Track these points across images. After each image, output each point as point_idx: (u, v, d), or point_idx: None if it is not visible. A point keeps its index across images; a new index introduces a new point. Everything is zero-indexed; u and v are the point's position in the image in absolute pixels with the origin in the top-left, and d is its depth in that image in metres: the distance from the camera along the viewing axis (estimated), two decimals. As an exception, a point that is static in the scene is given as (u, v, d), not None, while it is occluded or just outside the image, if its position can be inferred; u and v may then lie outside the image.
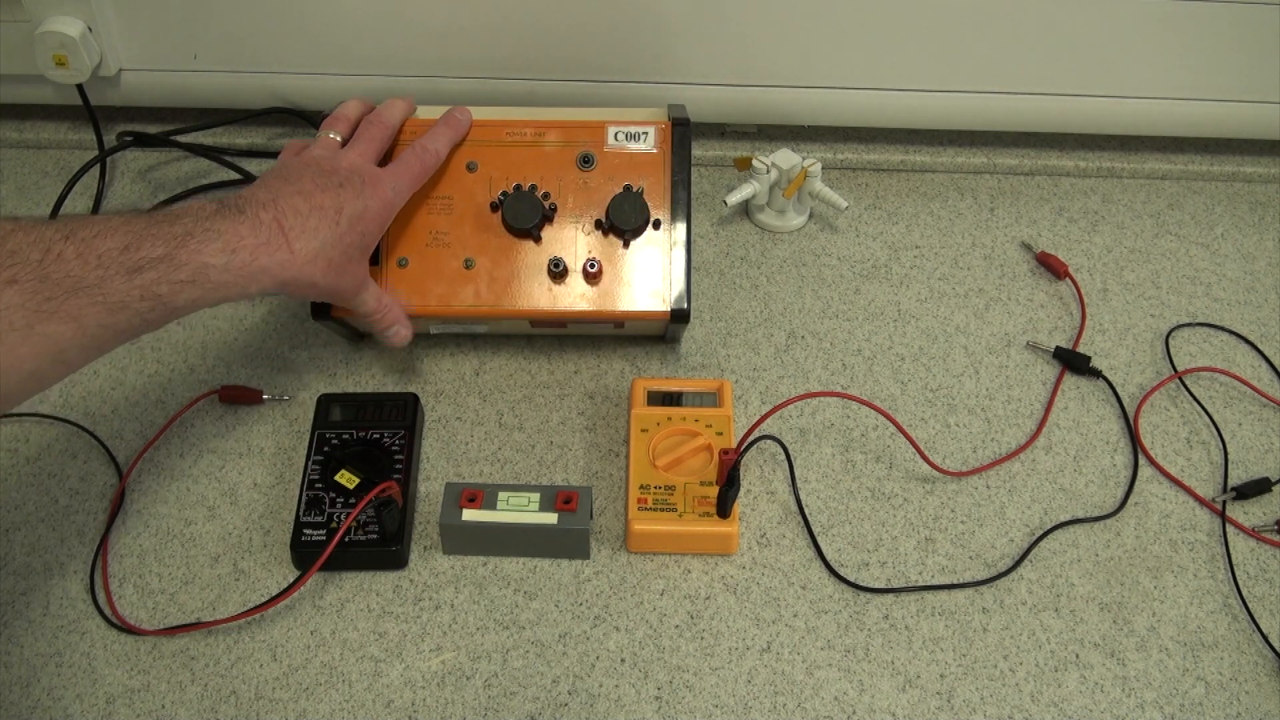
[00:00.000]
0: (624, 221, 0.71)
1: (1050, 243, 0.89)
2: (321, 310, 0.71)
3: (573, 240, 0.73)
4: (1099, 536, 0.70)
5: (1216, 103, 0.90)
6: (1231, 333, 0.83)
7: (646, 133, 0.74)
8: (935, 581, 0.68)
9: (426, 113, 0.75)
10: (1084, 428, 0.76)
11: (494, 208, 0.72)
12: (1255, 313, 0.84)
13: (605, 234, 0.72)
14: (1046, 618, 0.66)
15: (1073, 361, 0.79)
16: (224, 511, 0.70)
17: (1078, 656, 0.64)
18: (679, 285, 0.72)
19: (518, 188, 0.73)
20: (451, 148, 0.73)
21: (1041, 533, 0.70)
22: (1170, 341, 0.82)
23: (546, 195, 0.73)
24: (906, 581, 0.68)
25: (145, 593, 0.66)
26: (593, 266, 0.71)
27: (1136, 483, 0.73)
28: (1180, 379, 0.79)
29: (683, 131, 0.73)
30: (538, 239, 0.72)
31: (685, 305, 0.72)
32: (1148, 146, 0.96)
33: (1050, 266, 0.86)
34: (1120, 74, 0.89)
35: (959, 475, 0.73)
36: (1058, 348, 0.80)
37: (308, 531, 0.66)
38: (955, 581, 0.68)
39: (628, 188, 0.73)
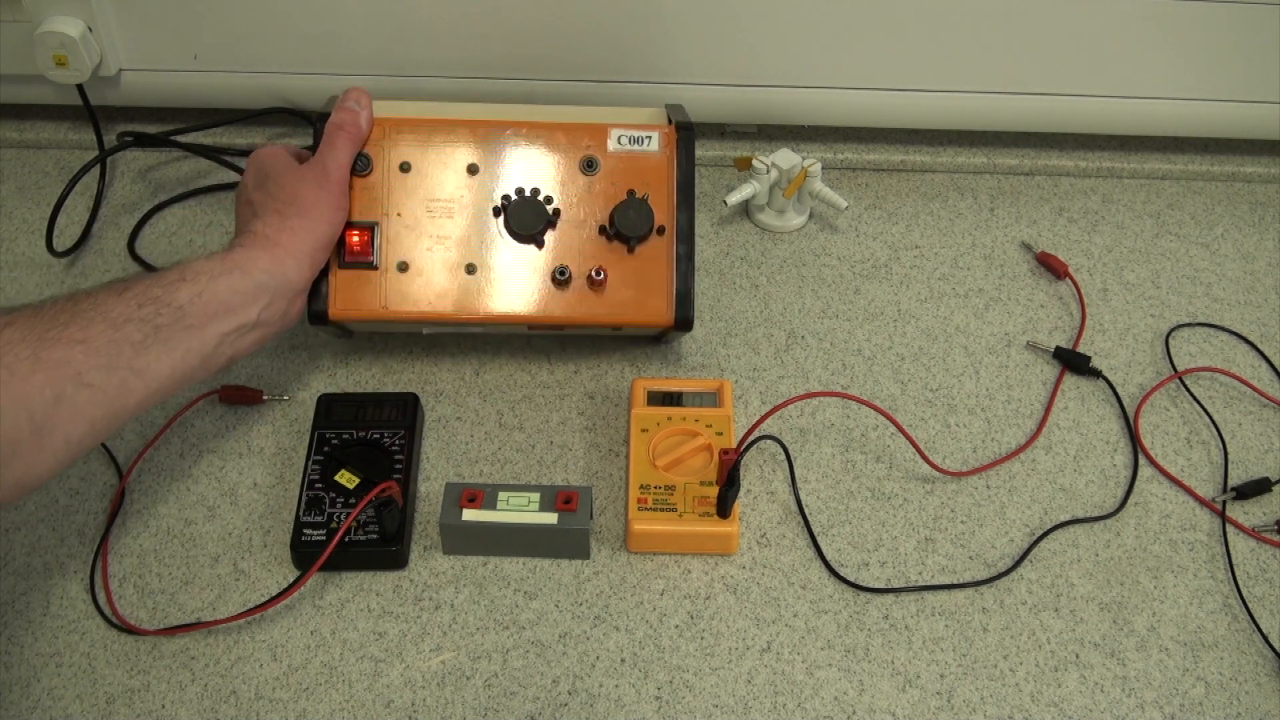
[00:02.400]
0: (630, 229, 0.71)
1: (1050, 243, 0.89)
2: (318, 315, 0.70)
3: (577, 246, 0.72)
4: (1099, 536, 0.70)
5: (1216, 103, 0.90)
6: (1231, 333, 0.83)
7: (650, 136, 0.72)
8: (935, 581, 0.68)
9: (414, 109, 0.75)
10: (1084, 428, 0.76)
11: (497, 212, 0.71)
12: (1255, 313, 0.84)
13: (609, 240, 0.71)
14: (1046, 618, 0.66)
15: (1073, 361, 0.79)
16: (224, 511, 0.70)
17: (1078, 656, 0.64)
18: (684, 293, 0.71)
19: (520, 191, 0.71)
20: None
21: (1041, 533, 0.70)
22: (1170, 341, 0.82)
23: (550, 199, 0.72)
24: (906, 581, 0.68)
25: (145, 593, 0.66)
26: (598, 275, 0.70)
27: (1136, 483, 0.73)
28: (1180, 379, 0.79)
29: (687, 136, 0.72)
30: (540, 244, 0.71)
31: (689, 314, 0.72)
32: (1148, 146, 0.96)
33: (1050, 266, 0.86)
34: (1120, 74, 0.89)
35: (959, 475, 0.73)
36: (1058, 348, 0.80)
37: (308, 531, 0.66)
38: (955, 581, 0.68)
39: (632, 194, 0.71)
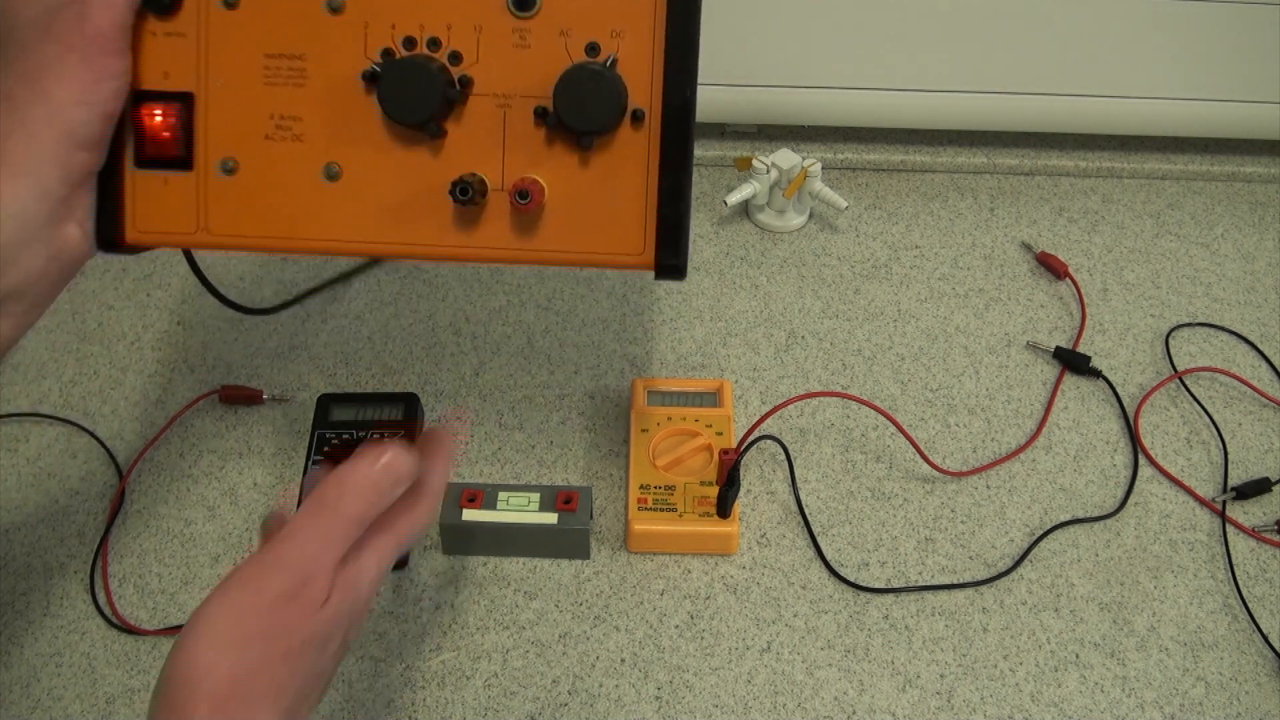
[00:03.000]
0: (584, 114, 0.48)
1: (1050, 243, 0.89)
2: (109, 239, 0.51)
3: (494, 140, 0.51)
4: (1099, 536, 0.70)
5: (1216, 103, 0.90)
6: (1231, 333, 0.83)
7: None
8: (935, 581, 0.68)
9: None
10: (1084, 428, 0.76)
11: (369, 79, 0.50)
12: (1255, 313, 0.84)
13: (549, 131, 0.50)
14: (1046, 618, 0.66)
15: (1073, 361, 0.79)
16: (224, 511, 0.70)
17: (1078, 656, 0.64)
18: (671, 220, 0.50)
19: (409, 45, 0.50)
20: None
21: (1041, 533, 0.70)
22: (1170, 341, 0.82)
23: (456, 58, 0.50)
24: (906, 581, 0.68)
25: (145, 593, 0.66)
26: (523, 198, 0.49)
27: (1136, 483, 0.73)
28: (1180, 379, 0.79)
29: None
30: (435, 134, 0.50)
31: (678, 250, 0.51)
32: (1148, 146, 0.96)
33: (1050, 266, 0.86)
34: (1120, 74, 0.89)
35: (959, 475, 0.73)
36: (1058, 348, 0.80)
37: (308, 531, 0.66)
38: (955, 581, 0.68)
39: (591, 50, 0.50)
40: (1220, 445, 0.75)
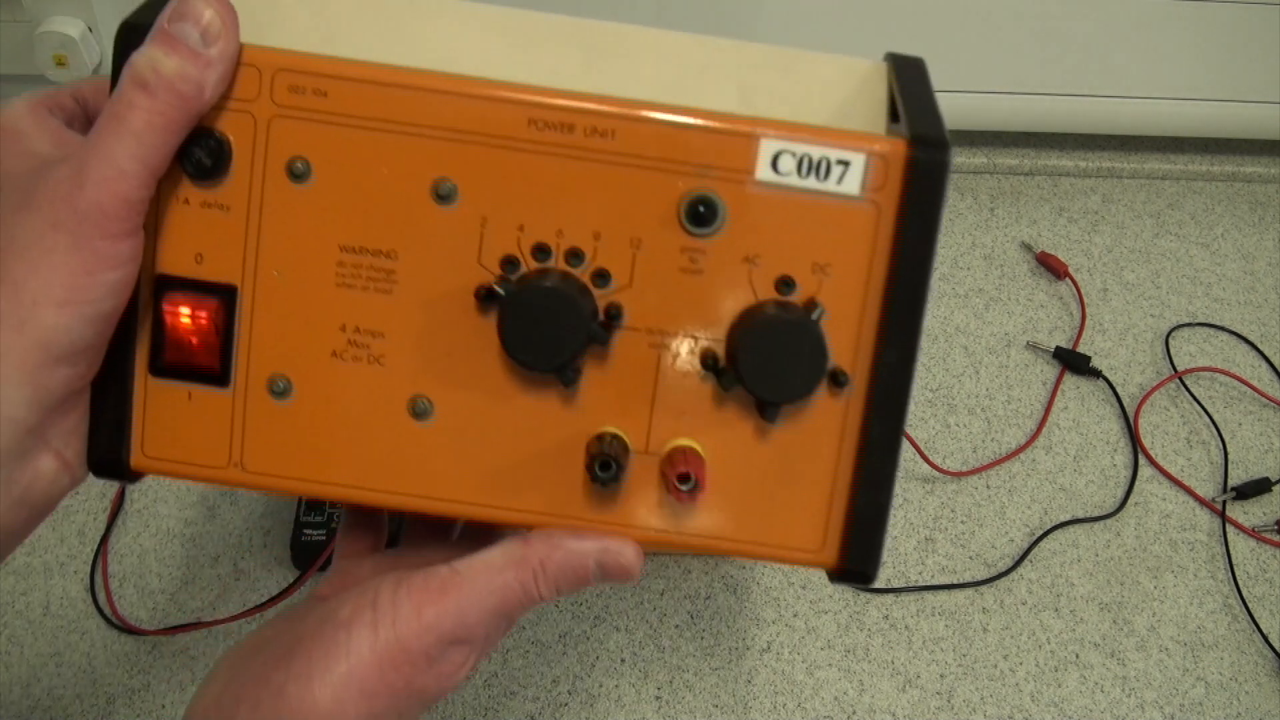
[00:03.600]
0: (775, 379, 0.37)
1: (1050, 243, 0.89)
2: (108, 465, 0.40)
3: (643, 390, 0.40)
4: (1099, 536, 0.70)
5: (1216, 103, 0.90)
6: (1232, 333, 0.83)
7: (848, 163, 0.38)
8: (935, 581, 0.68)
9: (335, 43, 0.40)
10: (1084, 428, 0.76)
11: (484, 299, 0.38)
12: (1255, 313, 0.84)
13: (723, 389, 0.39)
14: (1046, 618, 0.66)
15: (1073, 361, 0.79)
16: (224, 511, 0.70)
17: (1078, 656, 0.64)
18: (866, 515, 0.40)
19: (541, 254, 0.38)
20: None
21: (1041, 533, 0.70)
22: (1170, 341, 0.82)
23: (602, 278, 0.38)
24: (906, 581, 0.68)
25: (145, 593, 0.66)
26: (686, 485, 0.38)
27: (1136, 483, 0.73)
28: (1180, 379, 0.79)
29: (931, 169, 0.38)
30: (571, 381, 0.38)
31: (871, 554, 0.41)
32: (1148, 146, 0.96)
33: (1050, 266, 0.86)
34: (1120, 74, 0.89)
35: (959, 475, 0.73)
36: (1058, 348, 0.80)
37: (308, 531, 0.66)
38: (955, 581, 0.68)
39: (784, 286, 0.38)
40: (1220, 445, 0.75)
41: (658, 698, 0.62)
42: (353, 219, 0.38)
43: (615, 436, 0.39)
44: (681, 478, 0.38)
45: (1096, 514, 0.71)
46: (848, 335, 0.38)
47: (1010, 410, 0.77)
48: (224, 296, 0.39)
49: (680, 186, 0.38)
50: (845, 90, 0.42)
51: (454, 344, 0.39)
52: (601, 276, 0.39)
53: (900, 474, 0.72)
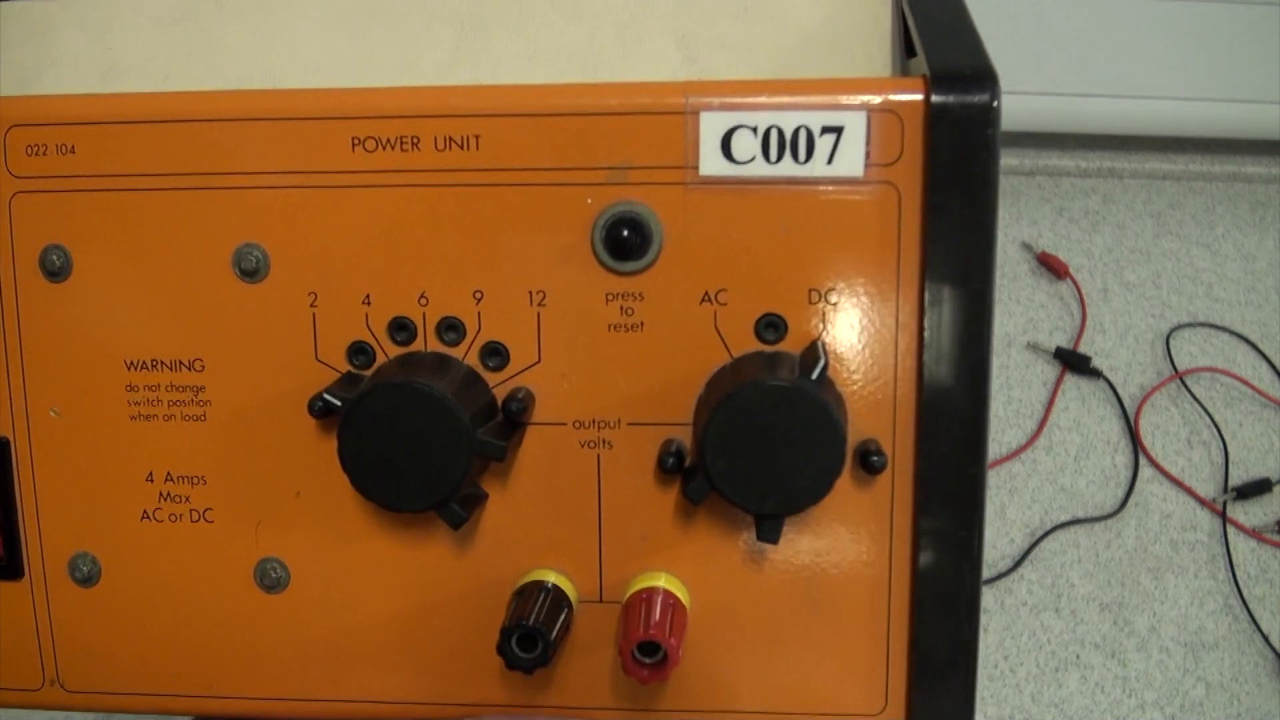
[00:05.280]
0: (763, 482, 0.25)
1: (1050, 243, 0.89)
2: None
3: (578, 512, 0.28)
4: (1099, 537, 0.70)
5: (1216, 103, 0.90)
6: (1232, 333, 0.83)
7: (840, 128, 0.25)
8: (935, 582, 0.68)
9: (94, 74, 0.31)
10: (1084, 428, 0.76)
11: (320, 413, 0.27)
12: (1256, 313, 0.84)
13: (691, 501, 0.27)
14: (1047, 618, 0.66)
15: (1073, 361, 0.79)
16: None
17: (1078, 657, 0.64)
18: (945, 652, 0.27)
19: (396, 332, 0.28)
20: None
21: (1042, 533, 0.70)
22: (1171, 341, 0.82)
23: (494, 356, 0.27)
24: (907, 582, 0.68)
25: None
26: (650, 658, 0.26)
27: (1137, 483, 0.73)
28: (1181, 379, 0.79)
29: (972, 115, 0.26)
30: (458, 521, 0.27)
31: (958, 708, 0.28)
32: (1148, 146, 0.96)
33: (1051, 266, 0.86)
34: (1120, 74, 0.88)
35: (959, 475, 0.73)
36: (1058, 348, 0.80)
37: None
38: (956, 582, 0.68)
39: (769, 330, 0.27)
40: (1221, 445, 0.75)
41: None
42: (134, 321, 0.27)
43: (548, 588, 0.27)
44: (643, 648, 0.25)
45: (1097, 514, 0.71)
46: (875, 389, 0.26)
47: (1011, 410, 0.77)
48: None
49: (589, 202, 0.25)
50: (831, 20, 0.28)
51: (301, 481, 0.28)
52: (494, 353, 0.27)
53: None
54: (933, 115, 0.24)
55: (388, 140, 0.26)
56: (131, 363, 0.28)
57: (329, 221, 0.26)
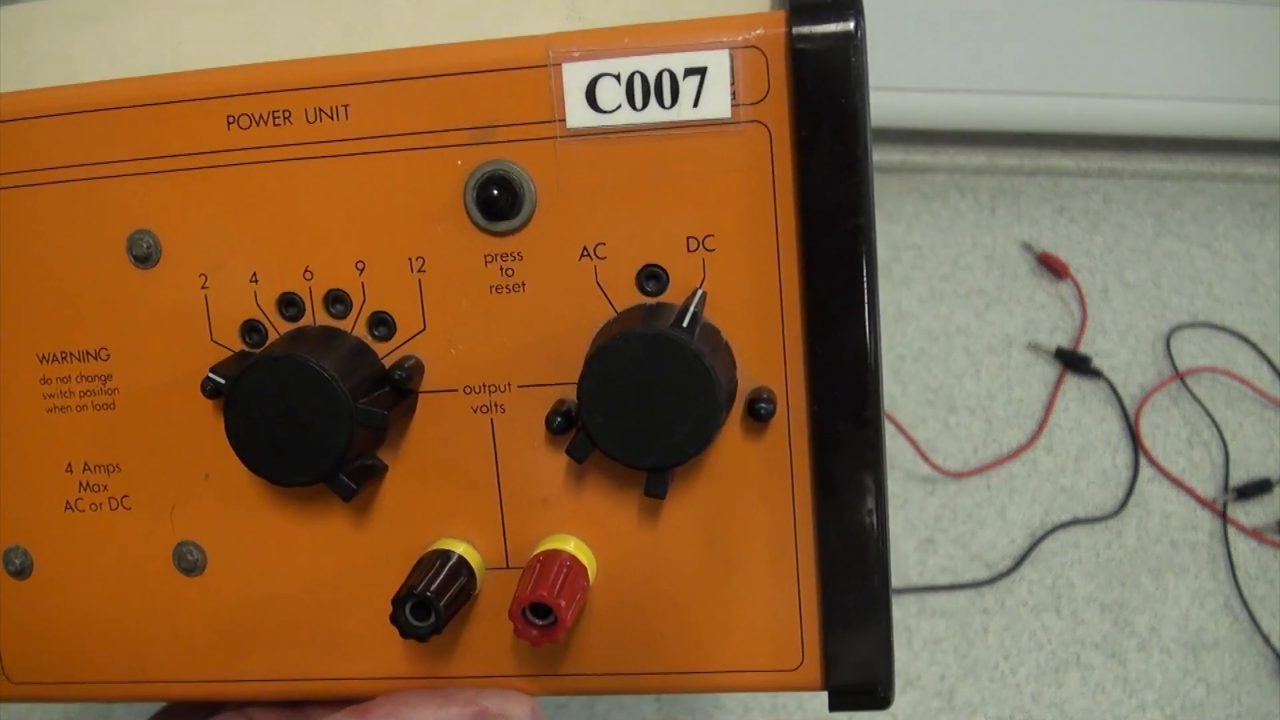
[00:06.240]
0: (643, 434, 0.24)
1: (1051, 243, 0.89)
2: None
3: (473, 479, 0.28)
4: (1100, 537, 0.70)
5: (1217, 103, 0.90)
6: (1233, 333, 0.83)
7: (704, 69, 0.24)
8: (935, 582, 0.67)
9: None
10: (1085, 428, 0.76)
11: (211, 393, 0.27)
12: (1257, 313, 0.84)
13: (575, 460, 0.26)
14: (1047, 618, 0.66)
15: (1073, 362, 0.79)
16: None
17: (1079, 657, 0.64)
18: (848, 606, 0.27)
19: (285, 307, 0.28)
20: None
21: (1042, 533, 0.70)
22: (1171, 342, 0.82)
23: (382, 325, 0.28)
24: (906, 582, 0.67)
25: None
26: (542, 619, 0.26)
27: (1137, 483, 0.73)
28: (1181, 379, 0.79)
29: (833, 44, 0.24)
30: (348, 493, 0.27)
31: (876, 661, 0.27)
32: (1148, 146, 0.96)
33: (1051, 266, 0.86)
34: (1120, 74, 0.88)
35: (959, 475, 0.73)
36: (1058, 348, 0.80)
37: None
38: (955, 582, 0.67)
39: (650, 280, 0.27)
40: (1221, 446, 0.75)
41: (657, 698, 0.62)
42: (41, 315, 0.28)
43: (445, 554, 0.27)
44: (534, 609, 0.26)
45: (1097, 514, 0.71)
46: (763, 335, 0.26)
47: (1011, 410, 0.77)
48: None
49: (459, 164, 0.26)
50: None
51: (208, 463, 0.29)
52: (381, 324, 0.27)
53: (900, 475, 0.72)
54: (794, 48, 0.24)
55: (260, 116, 0.26)
56: (43, 355, 0.28)
57: (212, 202, 0.27)
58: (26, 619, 0.30)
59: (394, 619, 0.26)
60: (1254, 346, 0.82)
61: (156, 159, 0.26)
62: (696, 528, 0.27)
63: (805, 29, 0.24)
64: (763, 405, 0.25)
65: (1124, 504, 0.72)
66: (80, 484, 0.29)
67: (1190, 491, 0.72)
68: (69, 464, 0.29)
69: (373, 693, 0.29)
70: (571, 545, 0.27)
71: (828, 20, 0.24)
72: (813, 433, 0.26)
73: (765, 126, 0.25)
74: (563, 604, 0.25)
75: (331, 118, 0.26)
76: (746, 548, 0.27)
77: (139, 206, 0.27)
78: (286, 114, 0.26)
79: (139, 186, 0.27)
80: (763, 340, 0.26)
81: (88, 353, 0.28)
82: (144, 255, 0.27)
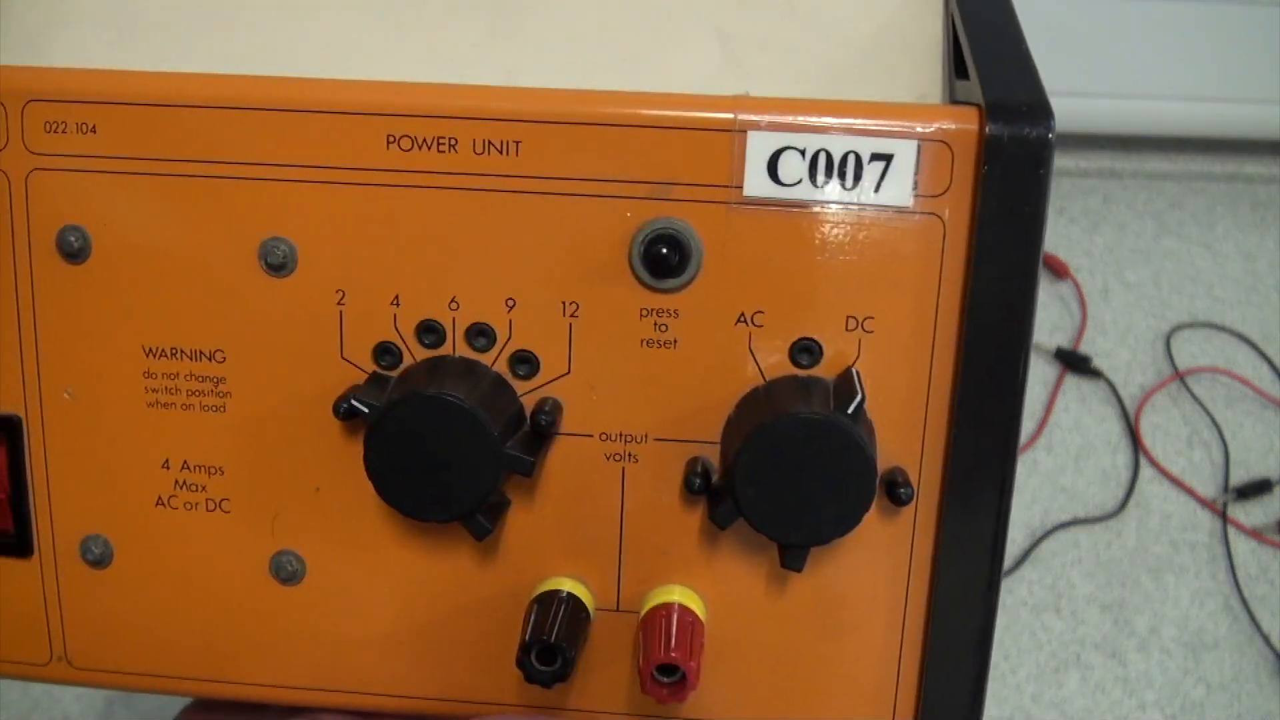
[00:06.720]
0: (797, 515, 0.25)
1: (1051, 243, 0.89)
2: None
3: (600, 526, 0.28)
4: (1100, 537, 0.70)
5: (1217, 103, 0.90)
6: (1233, 333, 0.83)
7: (890, 156, 0.25)
8: (936, 582, 0.68)
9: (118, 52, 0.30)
10: (1085, 428, 0.76)
11: (346, 415, 0.27)
12: (1257, 313, 0.84)
13: (717, 525, 0.27)
14: (1047, 618, 0.66)
15: (1073, 362, 0.79)
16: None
17: (1079, 657, 0.64)
18: (958, 674, 0.30)
19: (425, 334, 0.27)
20: None
21: (1042, 533, 0.70)
22: (1171, 342, 0.82)
23: (524, 363, 0.27)
24: (907, 582, 0.68)
25: None
26: (670, 678, 0.27)
27: (1137, 483, 0.73)
28: (1181, 379, 0.79)
29: (1026, 151, 0.25)
30: (482, 533, 0.27)
31: None
32: (1148, 146, 0.96)
33: (1051, 266, 0.86)
34: (1120, 74, 0.88)
35: (959, 475, 0.73)
36: (1058, 348, 0.80)
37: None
38: (956, 582, 0.68)
39: (804, 354, 0.26)
40: (1221, 446, 0.75)
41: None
42: (155, 308, 0.27)
43: (567, 599, 0.27)
44: (663, 669, 0.26)
45: (1097, 514, 0.71)
46: (906, 419, 0.26)
47: (1011, 410, 0.77)
48: (4, 431, 0.28)
49: (630, 218, 0.25)
50: (880, 26, 0.28)
51: (322, 478, 0.28)
52: (523, 362, 0.27)
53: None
54: (986, 149, 0.24)
55: (424, 140, 0.25)
56: (150, 349, 0.28)
57: (360, 219, 0.26)
58: (98, 608, 0.30)
59: (521, 664, 0.26)
60: (1254, 346, 0.82)
61: (304, 167, 0.26)
62: (814, 595, 0.28)
63: (1001, 130, 0.24)
64: (902, 490, 0.25)
65: (1124, 504, 0.72)
66: (176, 481, 0.29)
67: (1190, 491, 0.72)
68: (166, 460, 0.28)
69: (471, 715, 0.29)
70: (678, 594, 0.27)
71: (1024, 124, 0.24)
72: (940, 521, 0.26)
73: (941, 220, 0.25)
74: (693, 665, 0.26)
75: (501, 152, 0.25)
76: (858, 620, 0.28)
77: (279, 213, 0.26)
78: (453, 142, 0.25)
79: (281, 193, 0.26)
80: (905, 425, 0.26)
81: (201, 353, 0.28)
82: (279, 264, 0.27)
